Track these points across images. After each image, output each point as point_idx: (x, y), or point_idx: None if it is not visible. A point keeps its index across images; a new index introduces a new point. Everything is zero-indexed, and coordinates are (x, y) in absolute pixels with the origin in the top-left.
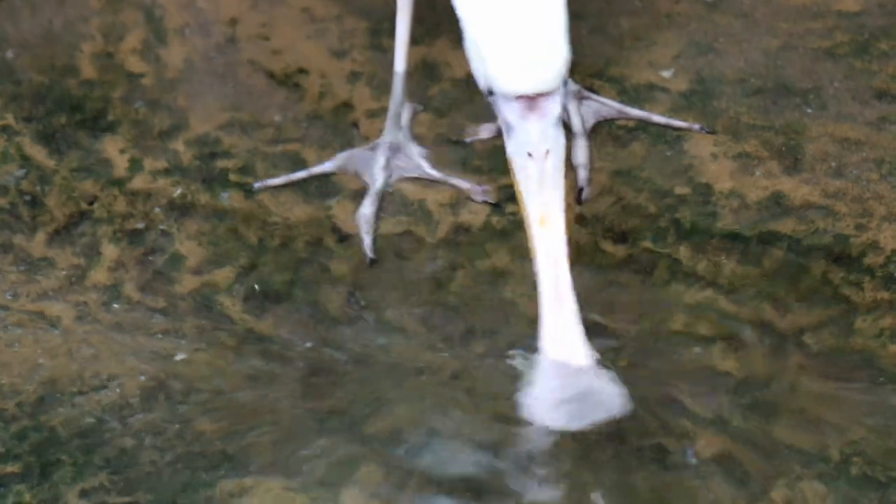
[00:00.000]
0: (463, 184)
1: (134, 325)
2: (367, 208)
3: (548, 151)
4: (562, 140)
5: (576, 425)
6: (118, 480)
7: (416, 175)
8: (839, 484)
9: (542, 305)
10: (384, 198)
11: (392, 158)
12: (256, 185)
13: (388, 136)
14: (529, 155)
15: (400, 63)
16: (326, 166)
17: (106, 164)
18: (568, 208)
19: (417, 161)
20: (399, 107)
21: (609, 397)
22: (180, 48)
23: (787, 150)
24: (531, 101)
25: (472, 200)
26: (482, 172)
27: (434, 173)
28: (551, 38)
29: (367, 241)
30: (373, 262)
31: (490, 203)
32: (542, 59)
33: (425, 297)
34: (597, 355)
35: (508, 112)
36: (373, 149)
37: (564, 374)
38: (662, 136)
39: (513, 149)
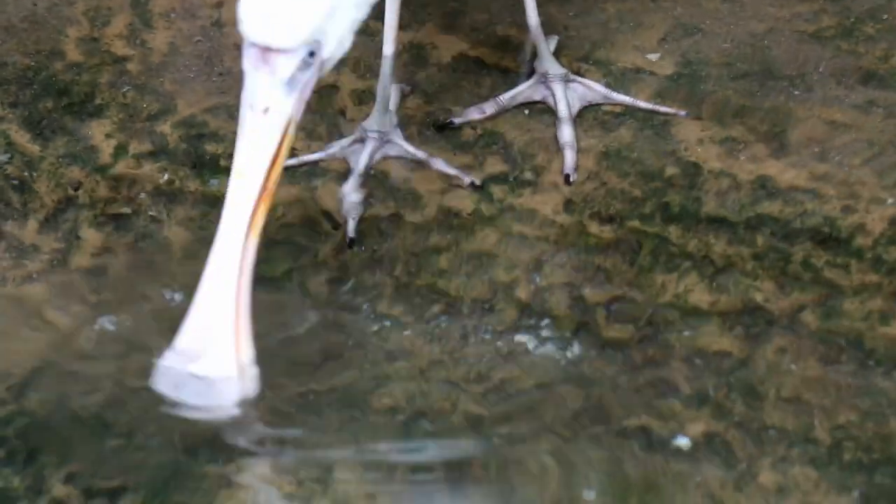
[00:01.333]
0: (449, 169)
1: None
2: (352, 193)
3: (267, 109)
4: (289, 104)
5: (192, 402)
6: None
7: (400, 155)
8: (830, 469)
9: (209, 260)
10: (369, 181)
11: (378, 146)
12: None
13: (375, 120)
14: (250, 106)
15: (389, 46)
16: (316, 155)
17: (92, 148)
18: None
19: (404, 146)
20: (387, 90)
21: (232, 377)
22: (166, 32)
23: (773, 134)
24: (264, 52)
25: (459, 186)
26: (470, 155)
27: (419, 154)
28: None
29: (350, 224)
30: (352, 242)
31: (476, 185)
32: (281, 13)
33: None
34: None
35: (245, 58)
36: (361, 137)
37: (200, 340)
38: (649, 121)
39: (242, 96)
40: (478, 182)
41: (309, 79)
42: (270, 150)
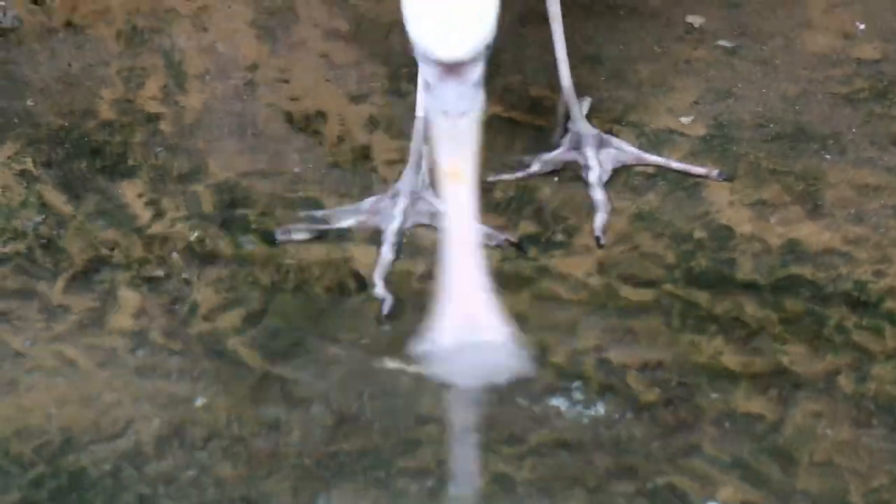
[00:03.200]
0: (484, 230)
1: (153, 371)
2: (385, 254)
3: (464, 113)
4: (479, 102)
5: (469, 382)
6: None
7: (432, 222)
8: None
9: (448, 255)
10: (401, 243)
11: (411, 205)
12: (278, 235)
13: (408, 180)
14: (445, 113)
15: (422, 107)
16: (347, 223)
17: (124, 209)
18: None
19: (436, 207)
20: (420, 151)
21: (506, 356)
22: (199, 93)
23: (806, 196)
24: (451, 65)
25: (491, 245)
26: (502, 215)
27: None
28: (475, 6)
29: (379, 286)
30: (388, 313)
31: (512, 243)
32: (464, 27)
33: None
34: (498, 311)
35: (429, 73)
36: (393, 196)
37: (463, 325)
38: (681, 183)
39: (430, 107)
40: (513, 239)
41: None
42: (474, 148)
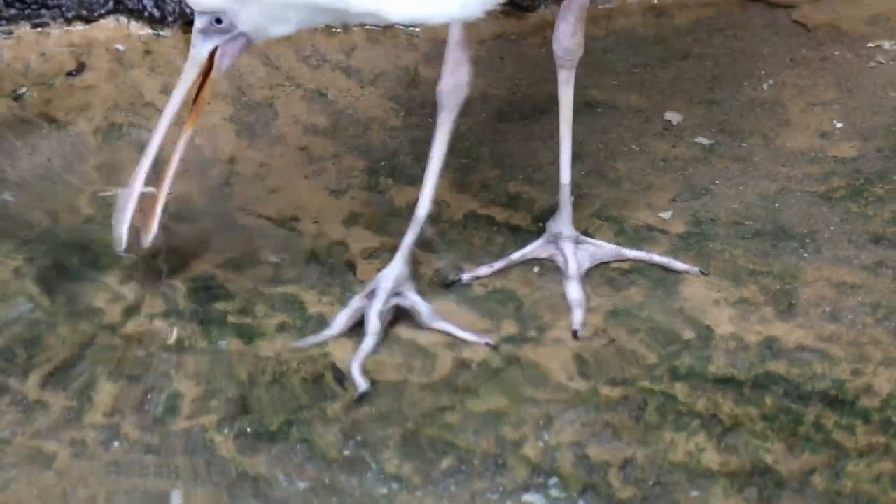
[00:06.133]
0: (462, 334)
1: (129, 465)
2: (367, 344)
3: (192, 47)
4: (204, 49)
5: None
6: None
7: (417, 322)
8: None
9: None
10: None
11: (389, 297)
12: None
13: (392, 275)
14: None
15: (424, 207)
16: (335, 329)
17: (104, 304)
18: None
19: (414, 300)
20: (410, 249)
21: None
22: (178, 186)
23: (782, 294)
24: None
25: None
26: (479, 312)
27: (435, 325)
28: None
29: (358, 379)
30: (362, 396)
31: (490, 345)
32: None
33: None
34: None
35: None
36: (371, 293)
37: None
38: (660, 280)
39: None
40: (493, 343)
41: (227, 41)
42: (189, 78)
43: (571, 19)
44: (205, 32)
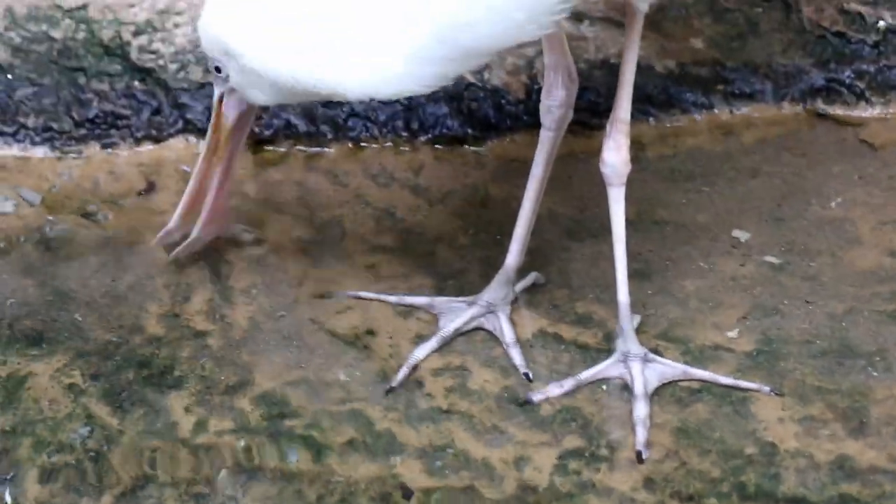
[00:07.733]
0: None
1: None
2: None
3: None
4: (218, 87)
5: None
6: None
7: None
8: None
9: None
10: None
11: (481, 312)
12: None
13: (492, 291)
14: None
15: (513, 257)
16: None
17: (171, 422)
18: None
19: (503, 325)
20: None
21: None
22: (246, 307)
23: (852, 412)
24: None
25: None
26: (548, 433)
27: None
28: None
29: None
30: None
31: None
32: (203, 24)
33: None
34: None
35: None
36: (471, 302)
37: None
38: (727, 398)
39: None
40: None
41: (229, 92)
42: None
43: (615, 136)
44: (214, 78)
